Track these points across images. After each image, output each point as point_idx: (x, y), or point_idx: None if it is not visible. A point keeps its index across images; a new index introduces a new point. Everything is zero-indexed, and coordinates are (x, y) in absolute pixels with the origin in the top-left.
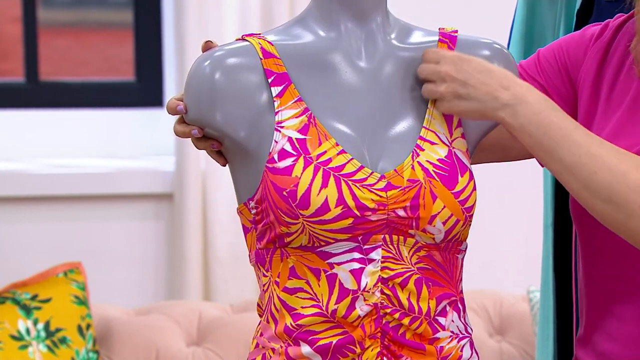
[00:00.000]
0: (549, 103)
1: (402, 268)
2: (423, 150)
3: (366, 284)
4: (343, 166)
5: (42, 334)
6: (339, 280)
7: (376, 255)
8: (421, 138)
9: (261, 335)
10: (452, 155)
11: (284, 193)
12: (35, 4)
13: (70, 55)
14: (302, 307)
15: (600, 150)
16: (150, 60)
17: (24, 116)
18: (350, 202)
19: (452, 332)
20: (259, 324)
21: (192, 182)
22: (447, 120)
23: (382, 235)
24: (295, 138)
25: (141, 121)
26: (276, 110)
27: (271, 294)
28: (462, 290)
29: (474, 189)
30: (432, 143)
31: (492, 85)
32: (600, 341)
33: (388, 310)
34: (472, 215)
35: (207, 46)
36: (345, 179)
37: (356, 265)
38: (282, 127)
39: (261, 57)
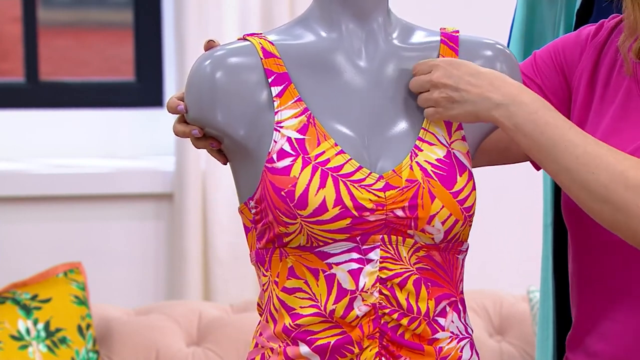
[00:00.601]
0: (543, 102)
1: (400, 268)
2: (422, 150)
3: (364, 284)
4: (341, 166)
5: (42, 334)
6: (338, 281)
7: (375, 255)
8: (420, 139)
9: (260, 334)
10: (451, 156)
11: (282, 193)
12: (35, 4)
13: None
14: (300, 307)
15: (597, 150)
16: (150, 60)
17: (24, 116)
18: (348, 202)
19: (452, 332)
20: (259, 323)
21: (192, 182)
22: (446, 123)
23: (381, 236)
24: (294, 138)
25: (141, 121)
26: (276, 110)
27: (270, 294)
28: (462, 291)
29: (474, 189)
30: (431, 144)
31: (483, 86)
32: (592, 342)
33: (386, 311)
34: (472, 215)
35: (209, 45)
36: (343, 179)
37: (354, 266)
38: (281, 127)
39: (262, 56)
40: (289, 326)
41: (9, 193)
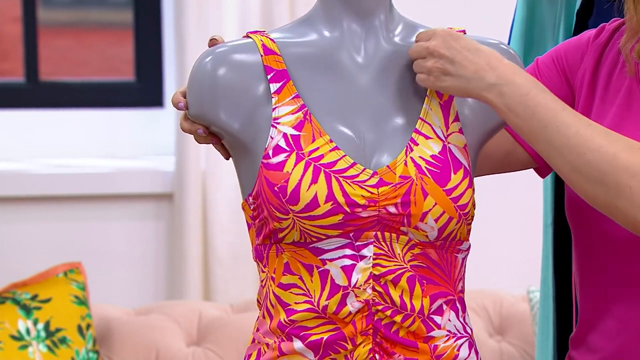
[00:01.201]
0: (536, 84)
1: (394, 265)
2: (417, 145)
3: (357, 281)
4: (335, 162)
5: (42, 334)
6: (331, 277)
7: (368, 252)
8: (416, 131)
9: (257, 330)
10: (447, 152)
11: (275, 188)
12: (35, 4)
13: (70, 55)
14: (295, 303)
15: (590, 131)
16: (150, 60)
17: (24, 116)
18: (340, 198)
19: (448, 331)
20: (257, 319)
21: (192, 182)
22: (444, 113)
23: (374, 232)
24: (290, 134)
25: (141, 121)
26: (273, 107)
27: (268, 290)
28: (462, 290)
29: (469, 186)
30: (427, 137)
31: (480, 64)
32: (595, 340)
33: (380, 307)
34: (468, 213)
35: (213, 43)
36: (336, 175)
37: (348, 262)
38: (278, 123)
39: (262, 53)
40: (283, 322)
41: (9, 193)
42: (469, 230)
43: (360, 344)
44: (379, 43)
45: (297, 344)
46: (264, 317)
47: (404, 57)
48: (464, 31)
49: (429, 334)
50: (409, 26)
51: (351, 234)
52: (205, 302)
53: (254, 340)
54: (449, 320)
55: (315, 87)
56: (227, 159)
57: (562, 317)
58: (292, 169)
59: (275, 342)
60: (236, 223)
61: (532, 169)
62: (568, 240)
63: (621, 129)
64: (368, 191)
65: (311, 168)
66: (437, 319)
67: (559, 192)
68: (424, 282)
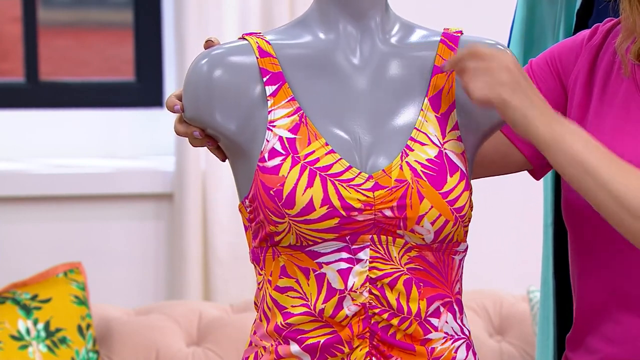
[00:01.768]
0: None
1: (390, 268)
2: (412, 150)
3: (353, 284)
4: (330, 166)
5: (42, 334)
6: (327, 280)
7: (364, 255)
8: (412, 139)
9: (254, 333)
10: (443, 156)
11: (271, 192)
12: (35, 4)
13: (70, 55)
14: (292, 306)
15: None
16: (150, 60)
17: (23, 116)
18: (336, 201)
19: (446, 333)
20: (254, 322)
21: (192, 182)
22: (440, 123)
23: (370, 236)
24: (286, 137)
25: (141, 121)
26: (269, 109)
27: (264, 293)
28: (459, 292)
29: (466, 189)
30: (423, 144)
31: (543, 102)
32: (593, 342)
33: (376, 311)
34: (465, 215)
35: (209, 44)
36: (331, 178)
37: (344, 265)
38: (274, 126)
39: (257, 56)
40: (280, 325)
41: (9, 193)
42: (466, 232)
43: (357, 347)
44: (375, 45)
45: (294, 348)
46: (261, 320)
47: (400, 59)
48: (461, 32)
49: (426, 337)
50: (406, 27)
51: (347, 238)
52: (205, 302)
53: (251, 343)
54: (446, 322)
55: (311, 90)
56: (223, 161)
57: (562, 317)
58: (288, 173)
59: (272, 345)
60: (236, 223)
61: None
62: (568, 240)
63: (622, 132)
64: (364, 195)
65: (307, 172)
66: (434, 321)
67: (559, 192)
68: (421, 284)
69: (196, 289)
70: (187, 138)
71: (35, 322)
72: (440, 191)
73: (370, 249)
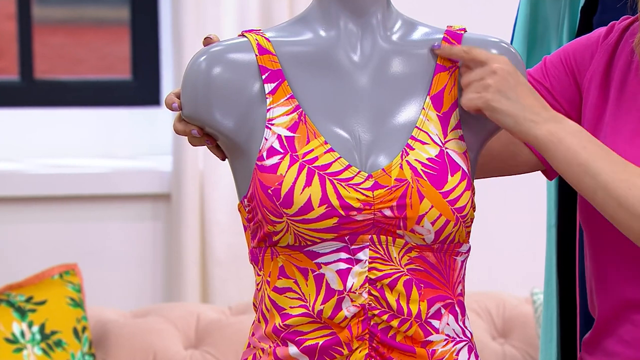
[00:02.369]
0: (583, 129)
1: (390, 269)
2: (413, 149)
3: (352, 285)
4: (329, 165)
5: (37, 336)
6: (326, 281)
7: (363, 255)
8: (413, 138)
9: (253, 334)
10: (444, 155)
11: (269, 191)
12: (30, 1)
13: (65, 53)
14: (290, 307)
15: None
16: (147, 58)
17: (18, 115)
18: (335, 201)
19: (447, 335)
20: (252, 323)
21: (190, 182)
22: (442, 122)
23: (370, 236)
24: (284, 136)
25: (138, 120)
26: (268, 107)
27: (263, 294)
28: (461, 293)
29: (467, 189)
30: (424, 143)
31: (536, 103)
32: (612, 345)
33: (376, 312)
34: (466, 215)
35: (208, 42)
36: (330, 177)
37: (343, 266)
38: (272, 124)
39: (257, 53)
40: (278, 326)
41: (4, 193)
42: (469, 233)
43: (356, 349)
44: (376, 42)
45: (292, 349)
46: (259, 322)
47: (402, 56)
48: (464, 29)
49: (427, 339)
50: (408, 24)
51: (346, 238)
52: (203, 304)
53: (249, 345)
54: (448, 324)
55: (311, 88)
56: (223, 160)
57: (566, 319)
58: (286, 172)
59: (270, 347)
60: (235, 223)
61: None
62: (572, 241)
63: None
64: (363, 194)
65: (305, 170)
66: (435, 323)
67: (563, 192)
68: (422, 285)
69: (194, 290)
70: (186, 137)
71: (30, 325)
72: (441, 191)
73: (370, 249)
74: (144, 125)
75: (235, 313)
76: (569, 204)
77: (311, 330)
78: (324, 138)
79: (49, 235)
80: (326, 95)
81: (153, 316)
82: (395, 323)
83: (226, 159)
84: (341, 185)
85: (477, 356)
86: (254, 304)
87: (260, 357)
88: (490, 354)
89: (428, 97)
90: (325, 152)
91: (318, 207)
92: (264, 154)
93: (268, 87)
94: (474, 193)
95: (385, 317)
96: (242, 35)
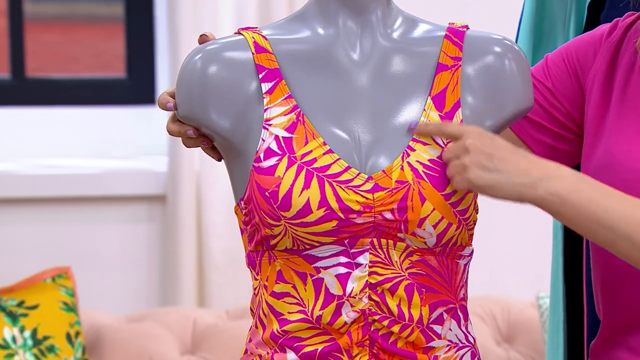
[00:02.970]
0: (582, 175)
1: (391, 273)
2: (414, 150)
3: (352, 290)
4: (328, 166)
5: (29, 342)
6: (325, 285)
7: (363, 259)
8: (414, 140)
9: (250, 340)
10: None
11: (266, 194)
12: None
13: (58, 51)
14: (288, 313)
15: None
16: (142, 55)
17: (9, 114)
18: (334, 204)
19: (449, 341)
20: (250, 329)
21: (186, 183)
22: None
23: (370, 239)
24: (282, 137)
25: (133, 119)
26: (265, 107)
27: (260, 298)
28: (464, 298)
29: (470, 190)
30: (425, 144)
31: (520, 161)
32: (621, 354)
33: (376, 317)
34: (469, 218)
35: (203, 39)
36: (329, 179)
37: (342, 270)
38: (269, 124)
39: (253, 51)
40: (276, 332)
41: None
42: (471, 235)
43: (356, 355)
44: (376, 40)
45: (291, 356)
46: (256, 327)
47: (403, 54)
48: (466, 27)
49: (429, 344)
50: (409, 21)
51: (346, 241)
52: (199, 309)
53: (246, 351)
54: (450, 329)
55: (309, 87)
56: (219, 161)
57: (573, 324)
58: (284, 174)
59: (268, 353)
60: (232, 226)
61: None
62: (579, 243)
63: None
64: (363, 196)
65: (303, 172)
66: (437, 328)
67: None
68: (423, 290)
69: (190, 294)
70: (180, 138)
71: (22, 330)
72: (443, 193)
73: (370, 253)
74: (139, 125)
75: (233, 318)
76: None
77: (310, 336)
78: (323, 139)
79: (42, 238)
80: (325, 95)
81: (148, 321)
82: (396, 329)
83: (222, 160)
84: (340, 187)
85: None
86: (251, 309)
87: None
88: (495, 359)
89: (429, 97)
90: (324, 154)
91: (317, 210)
92: (261, 155)
93: (265, 86)
94: (477, 195)
95: (386, 322)
96: (239, 33)
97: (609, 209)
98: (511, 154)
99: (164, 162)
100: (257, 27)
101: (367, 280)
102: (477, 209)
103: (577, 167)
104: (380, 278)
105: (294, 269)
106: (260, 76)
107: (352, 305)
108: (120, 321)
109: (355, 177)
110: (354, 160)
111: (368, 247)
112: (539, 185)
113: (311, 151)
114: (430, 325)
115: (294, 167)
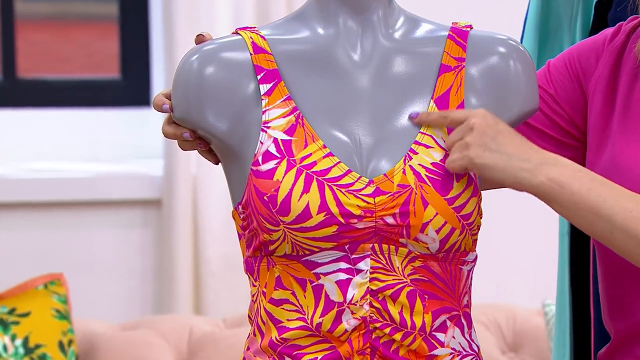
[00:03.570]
0: (581, 166)
1: (393, 279)
2: (417, 153)
3: (353, 296)
4: (328, 170)
5: (21, 350)
6: (325, 292)
7: (364, 265)
8: (416, 142)
9: (248, 349)
10: None
11: (265, 198)
12: None
13: (50, 50)
14: (287, 320)
15: None
16: (136, 56)
17: (0, 116)
18: (334, 208)
19: (453, 349)
20: (248, 336)
21: (182, 187)
22: (447, 126)
23: (371, 244)
24: (281, 139)
25: (127, 122)
26: (263, 109)
27: (259, 305)
28: (467, 305)
29: (474, 195)
30: (428, 147)
31: (522, 145)
32: None
33: (378, 325)
34: (473, 223)
35: (200, 40)
36: (329, 183)
37: (343, 276)
38: (268, 127)
39: (251, 52)
40: (275, 340)
41: None
42: (475, 240)
43: None
44: (377, 40)
45: None
46: (254, 335)
47: (405, 55)
48: (470, 26)
49: (432, 353)
50: (411, 21)
51: (346, 247)
52: (196, 316)
53: None
54: (453, 337)
55: (309, 88)
56: (217, 164)
57: (580, 332)
58: (283, 177)
59: None
60: (229, 231)
61: None
62: (586, 250)
63: None
64: (364, 201)
65: (303, 176)
66: (440, 336)
67: None
68: (426, 297)
69: (186, 302)
70: (176, 141)
71: (13, 338)
72: (446, 197)
73: (371, 259)
74: (133, 127)
75: (230, 326)
76: None
77: (309, 344)
78: (323, 142)
79: (34, 244)
80: (325, 97)
81: (143, 329)
82: (398, 336)
83: (219, 163)
84: (341, 191)
85: None
86: (249, 316)
87: None
88: None
89: (432, 100)
90: (324, 157)
91: (317, 214)
92: (259, 159)
93: (263, 87)
94: (481, 199)
95: (387, 330)
96: (236, 32)
97: (606, 198)
98: (514, 138)
99: (160, 166)
100: (255, 27)
101: (368, 287)
102: (481, 214)
103: None
104: (381, 284)
105: (293, 275)
106: (259, 77)
107: (352, 313)
108: (115, 329)
109: (356, 180)
110: (355, 163)
111: (369, 252)
112: (538, 171)
113: (311, 154)
114: (433, 333)
115: (293, 171)
